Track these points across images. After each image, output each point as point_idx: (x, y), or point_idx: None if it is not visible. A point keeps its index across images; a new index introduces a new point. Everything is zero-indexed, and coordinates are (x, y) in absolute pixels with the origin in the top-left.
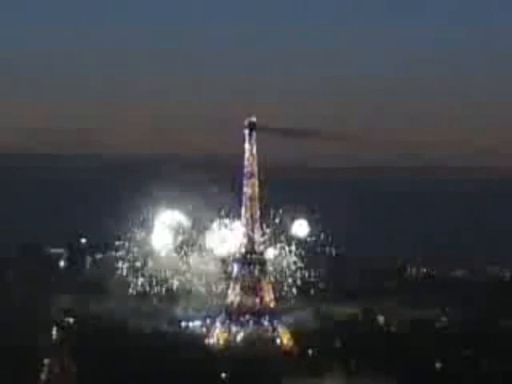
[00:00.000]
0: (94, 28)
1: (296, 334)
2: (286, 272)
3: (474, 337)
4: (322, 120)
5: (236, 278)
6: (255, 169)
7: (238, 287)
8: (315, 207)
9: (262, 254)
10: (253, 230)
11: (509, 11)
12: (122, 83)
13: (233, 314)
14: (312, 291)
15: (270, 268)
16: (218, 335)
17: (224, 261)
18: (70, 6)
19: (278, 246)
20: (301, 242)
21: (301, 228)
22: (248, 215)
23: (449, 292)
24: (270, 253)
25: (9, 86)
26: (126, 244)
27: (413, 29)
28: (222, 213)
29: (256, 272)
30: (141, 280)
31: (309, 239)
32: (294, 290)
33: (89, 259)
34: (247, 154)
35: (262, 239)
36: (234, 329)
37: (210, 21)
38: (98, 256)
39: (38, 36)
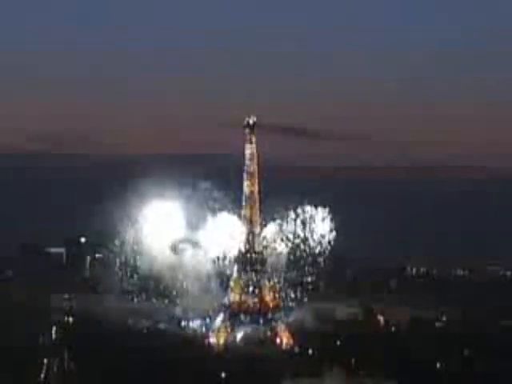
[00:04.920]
0: (94, 29)
1: (296, 334)
2: (285, 271)
3: (473, 337)
4: (322, 120)
5: (236, 278)
6: (255, 168)
7: (237, 286)
8: (315, 207)
9: (261, 253)
10: (252, 229)
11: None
12: (122, 83)
13: (233, 314)
14: (312, 291)
15: (269, 267)
16: (217, 335)
17: (224, 260)
18: (71, 6)
19: (278, 245)
20: (300, 242)
21: (301, 227)
22: (248, 214)
23: (449, 292)
24: (270, 252)
25: (9, 86)
26: (125, 243)
27: (413, 30)
28: (222, 212)
29: (256, 271)
30: (140, 279)
31: (309, 239)
32: (294, 290)
33: (88, 258)
34: (247, 154)
35: (261, 238)
36: (234, 328)
37: (211, 21)
38: (98, 255)
39: (38, 37)
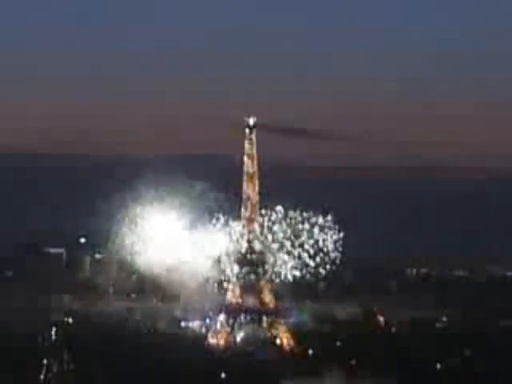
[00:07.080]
0: (94, 29)
1: (296, 334)
2: (285, 272)
3: (474, 337)
4: (322, 120)
5: (236, 278)
6: (255, 168)
7: (237, 287)
8: (315, 207)
9: (261, 253)
10: (252, 230)
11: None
12: (122, 83)
13: (233, 314)
14: (312, 291)
15: (269, 268)
16: (217, 335)
17: (223, 260)
18: (71, 6)
19: (278, 245)
20: (301, 242)
21: (301, 228)
22: (247, 215)
23: (449, 292)
24: (270, 253)
25: (9, 86)
26: (125, 244)
27: (413, 30)
28: (221, 213)
29: (256, 272)
30: (139, 280)
31: (309, 239)
32: (294, 290)
33: (88, 259)
34: (247, 154)
35: (261, 239)
36: (233, 329)
37: (211, 21)
38: (97, 256)
39: (38, 37)
